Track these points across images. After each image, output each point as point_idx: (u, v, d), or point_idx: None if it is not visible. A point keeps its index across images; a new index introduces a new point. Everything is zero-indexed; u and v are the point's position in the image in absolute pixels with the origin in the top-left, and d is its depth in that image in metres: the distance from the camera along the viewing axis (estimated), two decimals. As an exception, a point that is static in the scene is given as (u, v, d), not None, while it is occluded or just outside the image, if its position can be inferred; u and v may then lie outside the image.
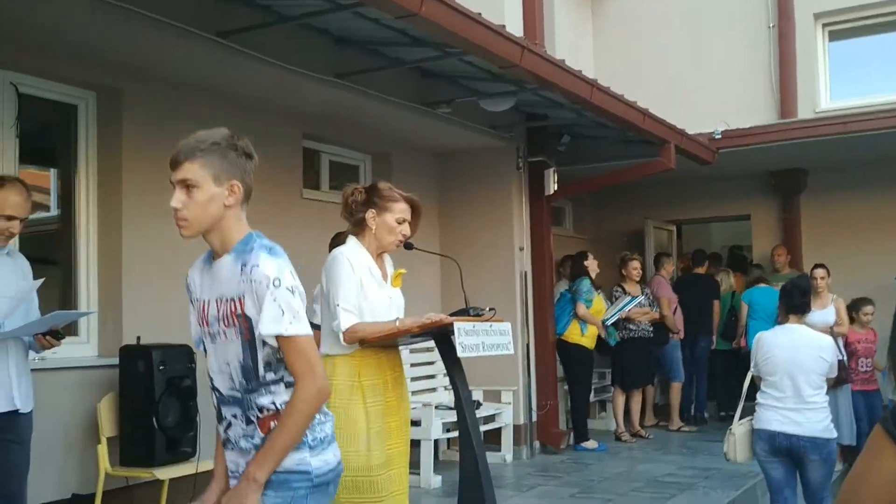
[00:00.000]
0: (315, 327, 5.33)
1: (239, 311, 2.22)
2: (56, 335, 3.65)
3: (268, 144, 6.26)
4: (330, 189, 7.18)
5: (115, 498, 4.92)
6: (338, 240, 5.36)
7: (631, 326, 8.44)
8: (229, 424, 2.31)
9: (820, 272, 7.53)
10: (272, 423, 2.22)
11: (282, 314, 2.17)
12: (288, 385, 2.25)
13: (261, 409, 2.25)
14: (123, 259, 5.24)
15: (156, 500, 5.09)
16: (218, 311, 2.27)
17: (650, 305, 8.56)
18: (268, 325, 2.16)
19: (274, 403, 2.25)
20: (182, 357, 4.94)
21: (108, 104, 5.30)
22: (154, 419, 4.68)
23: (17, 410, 3.59)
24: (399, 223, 3.66)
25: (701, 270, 9.76)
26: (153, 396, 4.71)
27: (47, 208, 6.84)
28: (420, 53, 5.93)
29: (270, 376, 2.25)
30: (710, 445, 8.13)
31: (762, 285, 8.77)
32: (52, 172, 6.60)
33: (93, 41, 4.76)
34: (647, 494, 6.08)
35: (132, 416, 4.79)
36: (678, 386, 9.03)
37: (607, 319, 8.18)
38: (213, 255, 2.35)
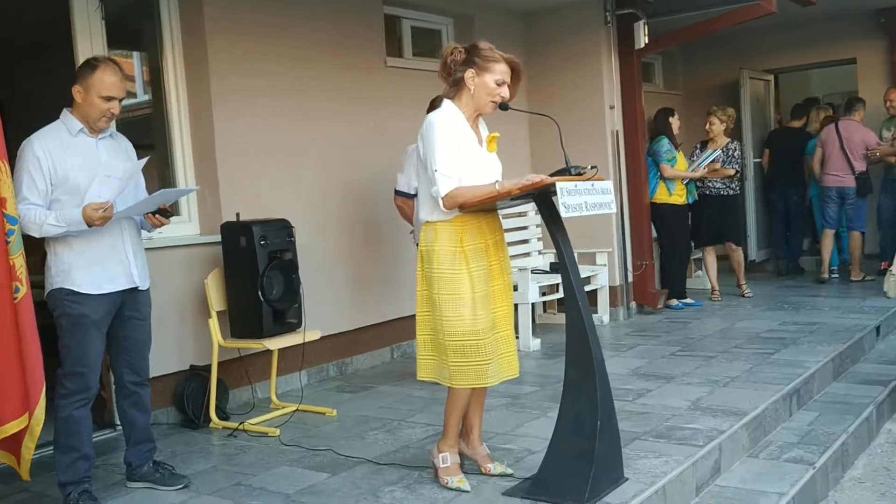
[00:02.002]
0: (407, 196, 5.35)
1: None
2: (165, 213, 3.73)
3: (348, 13, 6.13)
4: (413, 56, 7.02)
5: (229, 368, 5.15)
6: (435, 104, 5.26)
7: (698, 184, 8.19)
8: None
9: None
10: None
11: None
12: None
13: None
14: (216, 137, 5.27)
15: (267, 370, 5.31)
16: None
17: (728, 161, 8.05)
18: None
19: None
20: (281, 231, 5.01)
21: (187, -20, 5.22)
22: (259, 292, 4.80)
23: (136, 287, 3.72)
24: (498, 85, 3.54)
25: (796, 124, 9.69)
26: (257, 271, 4.82)
27: (134, 95, 6.92)
28: None
29: None
30: (813, 300, 7.99)
31: None
32: (136, 57, 6.64)
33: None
34: (748, 350, 6.02)
35: (238, 291, 4.92)
36: (857, 235, 8.81)
37: (684, 179, 7.94)
38: None
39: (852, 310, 7.35)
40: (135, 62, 6.65)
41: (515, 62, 3.59)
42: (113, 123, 3.74)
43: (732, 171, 8.08)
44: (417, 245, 5.49)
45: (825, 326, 6.69)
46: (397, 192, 5.51)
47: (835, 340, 6.15)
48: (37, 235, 3.49)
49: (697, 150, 8.21)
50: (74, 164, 3.53)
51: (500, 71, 3.53)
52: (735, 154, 8.13)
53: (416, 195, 5.26)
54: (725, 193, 8.21)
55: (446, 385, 3.61)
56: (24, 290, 3.34)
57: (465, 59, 3.55)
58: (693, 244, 8.51)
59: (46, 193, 3.49)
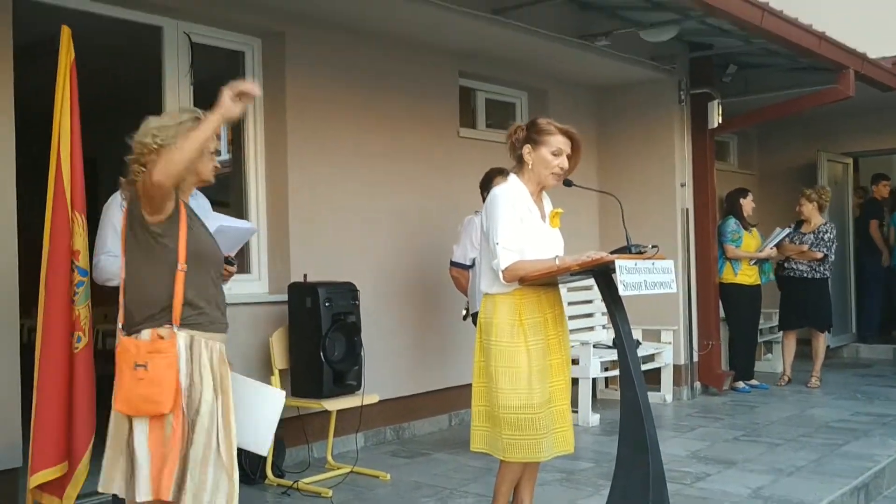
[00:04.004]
0: (463, 267, 5.42)
1: None
2: (229, 262, 3.83)
3: (424, 84, 6.31)
4: (486, 127, 7.16)
5: (288, 425, 5.20)
6: (489, 176, 5.38)
7: (785, 265, 8.03)
8: None
9: None
10: None
11: None
12: None
13: None
14: (290, 199, 5.44)
15: (324, 429, 5.36)
16: None
17: (817, 244, 7.87)
18: None
19: None
20: (346, 294, 5.11)
21: (272, 49, 5.46)
22: (322, 353, 4.88)
23: None
24: (555, 155, 3.59)
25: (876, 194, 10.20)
26: (320, 332, 4.90)
27: (219, 153, 7.18)
28: (577, -16, 5.75)
29: None
30: (888, 391, 7.71)
31: None
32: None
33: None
34: (817, 439, 5.83)
35: (301, 350, 5.01)
36: None
37: (751, 260, 7.81)
38: None
39: (929, 403, 7.08)
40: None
41: (572, 132, 3.64)
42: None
43: (820, 255, 7.86)
44: (463, 317, 5.56)
45: (899, 419, 6.45)
46: (452, 263, 5.57)
47: (909, 435, 5.93)
48: (116, 284, 3.61)
49: (781, 230, 8.00)
50: None
51: (557, 143, 3.59)
52: (825, 237, 7.89)
53: (471, 266, 5.34)
54: (810, 277, 7.94)
55: (499, 457, 3.61)
56: (85, 340, 3.49)
57: (525, 136, 3.63)
58: (778, 327, 8.33)
59: None
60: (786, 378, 8.15)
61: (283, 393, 3.22)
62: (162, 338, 2.75)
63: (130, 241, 2.83)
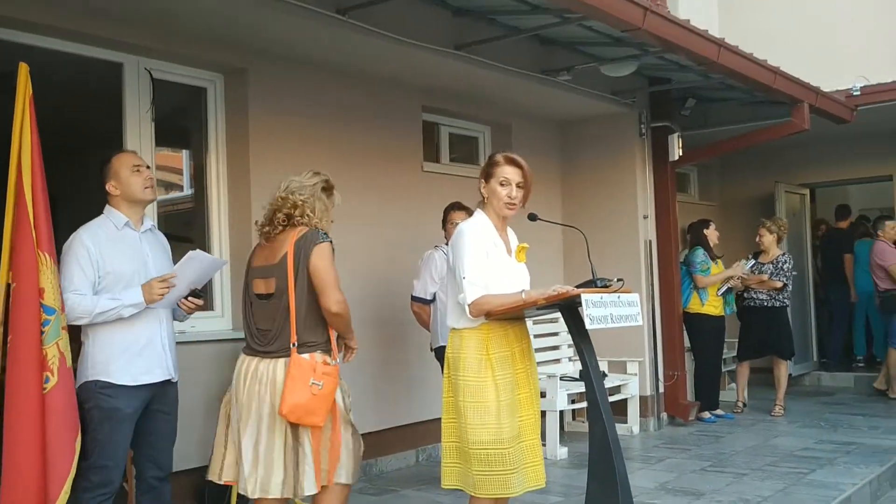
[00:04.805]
0: (423, 301, 5.39)
1: None
2: (196, 294, 3.80)
3: (388, 118, 6.32)
4: (450, 161, 7.19)
5: (252, 465, 5.11)
6: (446, 211, 5.41)
7: (744, 295, 8.14)
8: None
9: None
10: None
11: None
12: None
13: None
14: (253, 234, 5.36)
15: (290, 468, 5.26)
16: None
17: (776, 273, 7.98)
18: None
19: None
20: (312, 330, 5.05)
21: (235, 85, 5.45)
22: (287, 390, 4.80)
23: (168, 380, 3.77)
24: (503, 185, 3.59)
25: (843, 225, 10.37)
26: (285, 368, 4.83)
27: (181, 188, 7.14)
28: (539, 20, 5.82)
29: None
30: (851, 419, 7.79)
31: (866, 239, 9.70)
32: (185, 154, 6.89)
33: (219, 24, 4.89)
34: (782, 469, 5.87)
35: (266, 388, 4.93)
36: (892, 352, 8.78)
37: (719, 289, 7.90)
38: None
39: (892, 430, 7.15)
40: (183, 157, 6.89)
41: (518, 161, 3.64)
42: (152, 219, 3.86)
43: (779, 284, 7.99)
44: (432, 350, 5.53)
45: (863, 447, 6.51)
46: (413, 298, 5.55)
47: (873, 462, 5.98)
48: (86, 323, 3.56)
49: (747, 260, 8.11)
50: (121, 257, 3.64)
51: (504, 173, 3.61)
52: (784, 267, 8.04)
53: (432, 300, 5.33)
54: (770, 305, 8.07)
55: (470, 493, 3.57)
56: (53, 380, 3.40)
57: (482, 171, 3.69)
58: (737, 356, 8.43)
59: (94, 284, 3.58)
60: (740, 405, 8.28)
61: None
62: (328, 363, 3.56)
63: (301, 279, 3.58)
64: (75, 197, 6.16)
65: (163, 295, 3.61)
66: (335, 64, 5.77)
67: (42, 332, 3.39)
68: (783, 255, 8.17)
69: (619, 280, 3.50)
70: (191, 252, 3.71)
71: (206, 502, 4.89)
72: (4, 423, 3.37)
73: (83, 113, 6.53)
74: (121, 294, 3.56)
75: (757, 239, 8.25)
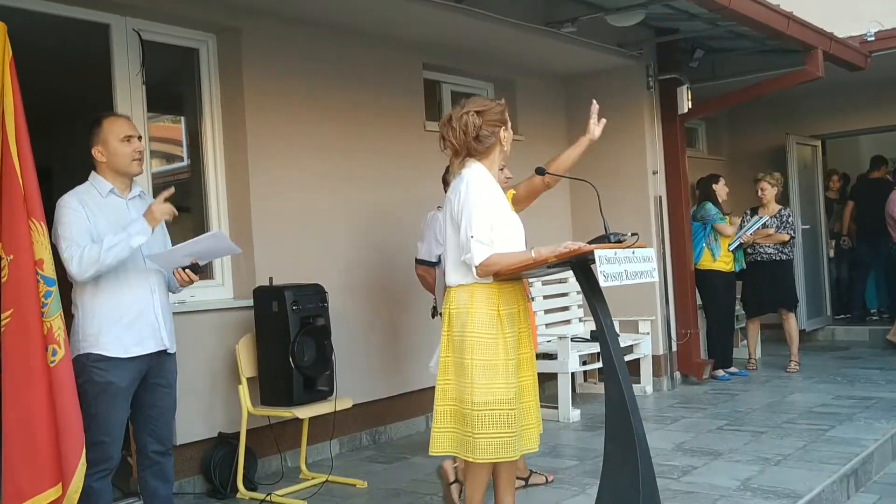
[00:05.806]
0: (429, 264, 5.14)
1: None
2: (195, 269, 3.63)
3: (387, 77, 6.13)
4: (453, 120, 6.98)
5: (258, 435, 5.02)
6: (447, 173, 5.20)
7: (749, 250, 7.98)
8: None
9: None
10: None
11: None
12: None
13: None
14: (252, 201, 5.24)
15: (297, 438, 5.16)
16: None
17: (783, 227, 7.89)
18: None
19: None
20: (314, 296, 4.92)
21: (228, 46, 5.25)
22: (291, 359, 4.68)
23: (164, 351, 3.61)
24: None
25: (877, 175, 10.17)
26: (289, 336, 4.71)
27: (181, 158, 6.95)
28: (541, -31, 5.60)
29: None
30: (867, 373, 7.66)
31: None
32: (180, 121, 6.69)
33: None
34: (801, 426, 5.73)
35: (269, 357, 4.82)
36: None
37: (730, 245, 7.74)
38: None
39: (910, 384, 7.03)
40: (182, 127, 6.70)
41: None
42: (142, 185, 3.70)
43: (787, 237, 7.90)
44: (432, 315, 5.33)
45: (882, 401, 6.37)
46: (418, 261, 5.31)
47: (894, 416, 5.84)
48: (94, 273, 3.38)
49: (747, 217, 8.01)
50: (105, 223, 3.47)
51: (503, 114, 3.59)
52: (789, 220, 7.97)
53: (437, 263, 5.05)
54: (778, 259, 7.96)
55: (468, 459, 3.41)
56: (61, 352, 3.27)
57: (497, 119, 3.47)
58: (745, 313, 8.29)
59: (92, 234, 3.42)
60: (753, 363, 8.19)
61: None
62: None
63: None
64: (63, 171, 6.01)
65: (165, 214, 3.48)
66: (332, 21, 5.56)
67: (44, 305, 3.26)
68: (784, 209, 8.10)
69: (633, 235, 3.34)
70: (215, 230, 3.58)
71: (212, 475, 4.79)
72: (7, 402, 3.24)
73: (71, 81, 6.34)
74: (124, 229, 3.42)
75: (759, 193, 8.08)
